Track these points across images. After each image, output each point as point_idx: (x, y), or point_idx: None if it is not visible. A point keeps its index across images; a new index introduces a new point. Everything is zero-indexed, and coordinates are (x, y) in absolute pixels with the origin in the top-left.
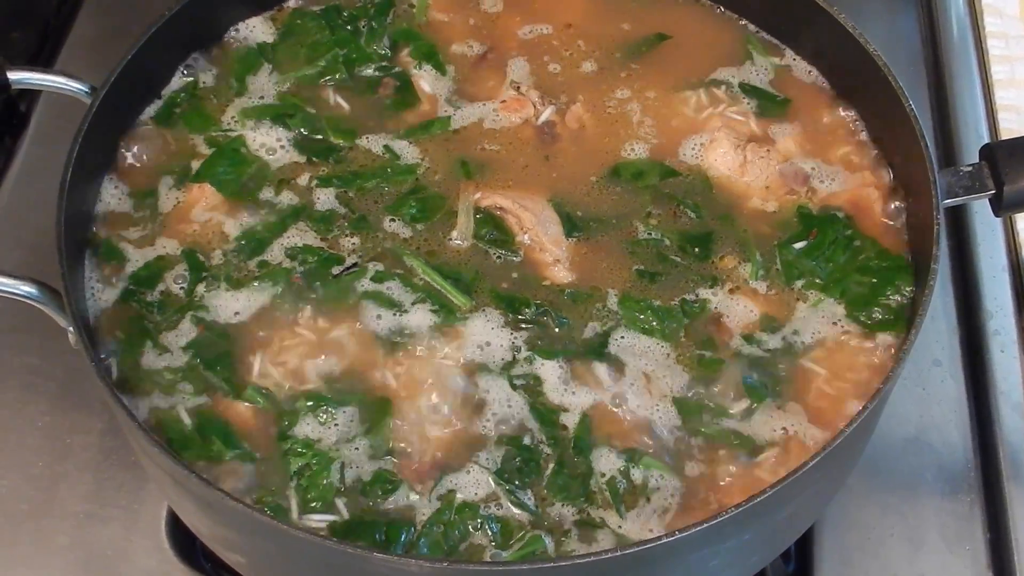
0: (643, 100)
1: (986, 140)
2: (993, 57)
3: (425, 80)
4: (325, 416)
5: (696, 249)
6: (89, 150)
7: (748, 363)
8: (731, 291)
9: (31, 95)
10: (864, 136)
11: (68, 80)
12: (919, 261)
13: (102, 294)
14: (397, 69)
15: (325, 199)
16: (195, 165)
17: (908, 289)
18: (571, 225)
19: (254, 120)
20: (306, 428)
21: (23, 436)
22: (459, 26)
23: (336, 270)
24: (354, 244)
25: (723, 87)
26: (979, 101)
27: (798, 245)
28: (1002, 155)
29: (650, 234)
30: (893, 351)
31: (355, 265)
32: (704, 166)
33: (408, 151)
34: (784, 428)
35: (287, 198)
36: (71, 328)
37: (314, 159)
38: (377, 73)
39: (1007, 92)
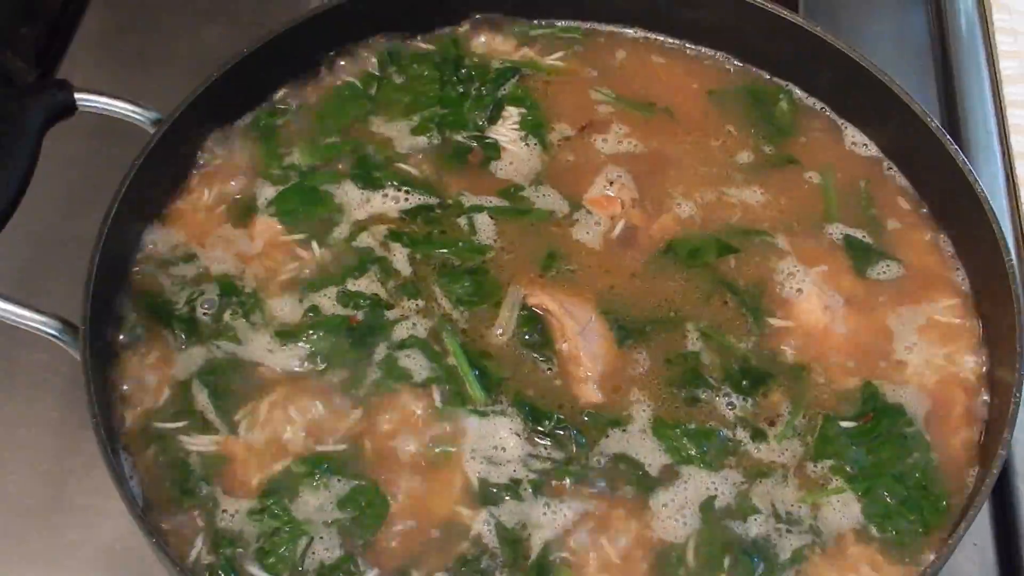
0: (743, 234)
1: (995, 136)
2: (1002, 53)
3: (519, 154)
4: (318, 484)
5: (744, 382)
6: (141, 183)
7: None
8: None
9: None
10: (977, 339)
11: (134, 108)
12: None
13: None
14: (489, 140)
15: (396, 255)
16: (264, 196)
17: (936, 528)
18: (624, 333)
19: (324, 161)
20: (294, 493)
21: (32, 432)
22: (572, 106)
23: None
24: (413, 305)
25: (836, 235)
26: (987, 97)
27: (845, 424)
28: None
29: (700, 353)
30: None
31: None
32: (793, 315)
33: (487, 228)
34: None
35: (355, 246)
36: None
37: (403, 216)
38: (467, 141)
39: (1016, 88)
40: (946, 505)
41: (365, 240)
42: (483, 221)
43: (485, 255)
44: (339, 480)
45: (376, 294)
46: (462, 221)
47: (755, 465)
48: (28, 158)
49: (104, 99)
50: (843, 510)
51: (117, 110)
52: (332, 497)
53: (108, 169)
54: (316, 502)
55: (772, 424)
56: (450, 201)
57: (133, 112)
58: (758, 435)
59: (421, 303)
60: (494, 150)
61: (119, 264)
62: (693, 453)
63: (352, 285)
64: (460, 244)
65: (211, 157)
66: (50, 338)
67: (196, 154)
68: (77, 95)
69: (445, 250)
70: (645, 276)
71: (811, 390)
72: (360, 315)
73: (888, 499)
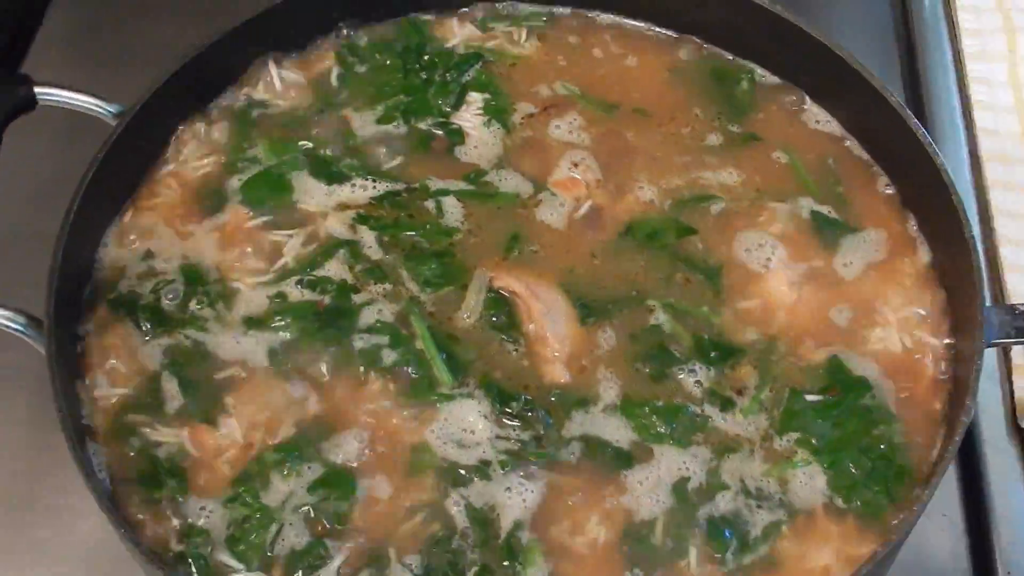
0: (706, 212)
1: (958, 112)
2: (964, 31)
3: (483, 139)
4: (288, 472)
5: (713, 353)
6: (105, 175)
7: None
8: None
9: None
10: (940, 311)
11: (96, 101)
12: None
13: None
14: (453, 126)
15: (364, 238)
16: (230, 185)
17: (902, 499)
18: (586, 311)
19: (290, 152)
20: (264, 480)
21: (3, 430)
22: (535, 91)
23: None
24: (380, 289)
25: (803, 210)
26: (951, 74)
27: (811, 398)
28: None
29: (664, 327)
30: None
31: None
32: (759, 290)
33: (455, 210)
34: None
35: (322, 231)
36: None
37: (371, 202)
38: (431, 129)
39: (979, 65)
40: (911, 474)
41: (333, 225)
42: (451, 204)
43: (452, 237)
44: (309, 467)
45: (343, 279)
46: (430, 204)
47: (723, 441)
48: None
49: (65, 93)
50: (809, 483)
51: (78, 103)
52: (303, 483)
53: (73, 165)
54: (286, 489)
55: (740, 393)
56: (416, 185)
57: (95, 105)
58: (726, 406)
59: (388, 287)
60: (458, 136)
61: (83, 256)
62: (662, 431)
63: (319, 270)
64: (428, 226)
65: (176, 148)
66: (15, 333)
67: (160, 146)
68: (37, 89)
69: (413, 232)
70: (608, 255)
71: (777, 364)
72: (327, 299)
73: (854, 471)
